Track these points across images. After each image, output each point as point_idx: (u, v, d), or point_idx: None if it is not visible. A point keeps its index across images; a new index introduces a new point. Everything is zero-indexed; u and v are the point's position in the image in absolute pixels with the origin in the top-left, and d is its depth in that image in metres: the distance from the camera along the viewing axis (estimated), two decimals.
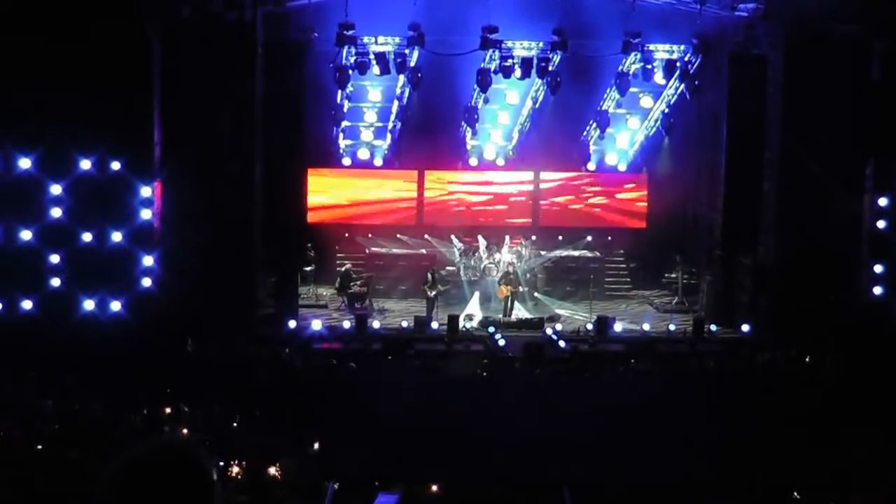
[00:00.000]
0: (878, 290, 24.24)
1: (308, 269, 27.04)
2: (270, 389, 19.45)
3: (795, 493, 15.13)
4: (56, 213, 22.27)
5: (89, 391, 18.75)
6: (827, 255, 23.58)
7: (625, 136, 28.77)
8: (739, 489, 16.11)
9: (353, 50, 23.93)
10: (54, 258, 22.28)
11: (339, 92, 25.49)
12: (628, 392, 20.56)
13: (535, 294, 27.63)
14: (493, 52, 24.22)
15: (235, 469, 15.40)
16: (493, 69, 24.70)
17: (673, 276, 27.90)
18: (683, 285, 27.49)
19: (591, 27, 24.30)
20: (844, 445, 17.44)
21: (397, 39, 23.97)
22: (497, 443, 17.99)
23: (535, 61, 24.57)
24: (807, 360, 22.09)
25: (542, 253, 28.49)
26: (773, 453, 17.55)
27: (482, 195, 29.25)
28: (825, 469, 16.48)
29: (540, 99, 26.94)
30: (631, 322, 25.23)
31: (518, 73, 24.67)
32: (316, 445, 16.94)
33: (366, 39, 23.88)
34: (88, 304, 22.27)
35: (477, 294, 26.05)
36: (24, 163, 22.09)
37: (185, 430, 17.09)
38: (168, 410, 18.09)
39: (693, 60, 24.84)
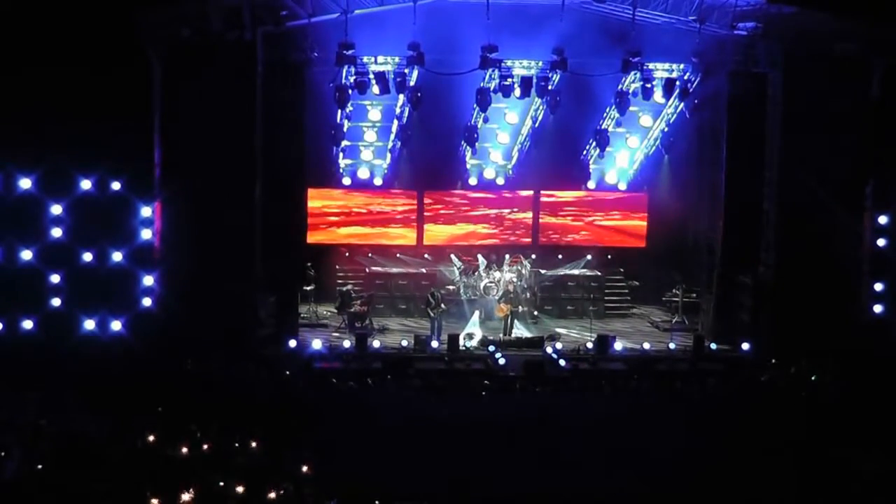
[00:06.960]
0: (878, 309, 24.26)
1: (308, 288, 27.01)
2: (270, 409, 19.42)
3: None
4: (56, 232, 22.37)
5: (89, 411, 18.74)
6: (827, 274, 23.60)
7: (625, 154, 28.76)
8: None
9: (352, 69, 23.95)
10: (55, 278, 22.36)
11: (339, 111, 25.49)
12: (629, 410, 20.53)
13: (535, 313, 27.64)
14: (493, 71, 24.26)
15: (237, 488, 15.38)
16: (492, 88, 24.73)
17: (673, 295, 27.83)
18: (684, 304, 27.45)
19: (591, 46, 24.30)
20: (846, 464, 17.42)
21: (397, 59, 23.98)
22: (497, 461, 17.97)
23: (534, 80, 24.59)
24: (807, 378, 22.05)
25: (542, 271, 28.49)
26: (774, 471, 17.53)
27: (482, 214, 29.23)
28: (824, 487, 16.46)
29: (539, 118, 26.97)
30: (631, 340, 25.17)
31: (518, 92, 24.68)
32: (315, 464, 16.90)
33: (365, 59, 23.89)
34: (89, 324, 22.32)
35: (477, 313, 25.99)
36: (25, 183, 22.19)
37: (184, 450, 17.06)
38: (168, 430, 18.05)
39: (693, 79, 24.86)
